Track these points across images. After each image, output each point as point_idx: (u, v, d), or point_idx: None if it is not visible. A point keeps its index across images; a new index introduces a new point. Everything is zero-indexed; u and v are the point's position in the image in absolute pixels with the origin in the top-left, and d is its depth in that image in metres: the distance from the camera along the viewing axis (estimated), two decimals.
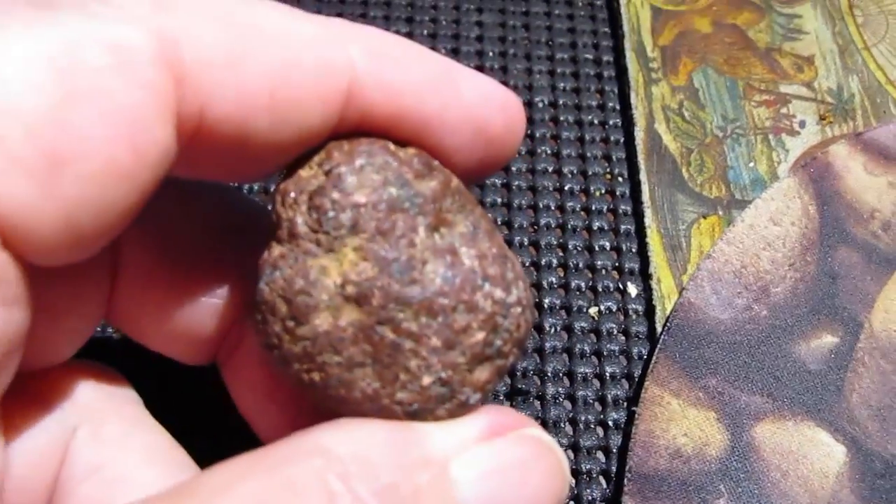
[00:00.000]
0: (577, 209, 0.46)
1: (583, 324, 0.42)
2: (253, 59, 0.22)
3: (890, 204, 0.43)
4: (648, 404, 0.38)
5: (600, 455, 0.39)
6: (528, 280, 0.42)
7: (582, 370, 0.40)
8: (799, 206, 0.43)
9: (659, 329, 0.41)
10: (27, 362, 0.23)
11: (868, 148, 0.45)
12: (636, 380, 0.40)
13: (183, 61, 0.21)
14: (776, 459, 0.37)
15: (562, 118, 0.49)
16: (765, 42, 0.51)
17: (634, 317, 0.42)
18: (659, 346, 0.39)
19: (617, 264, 0.44)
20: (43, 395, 0.27)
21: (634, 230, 0.45)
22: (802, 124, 0.47)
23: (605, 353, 0.41)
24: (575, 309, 0.42)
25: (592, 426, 0.39)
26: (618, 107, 0.50)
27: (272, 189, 0.33)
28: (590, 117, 0.49)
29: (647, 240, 0.44)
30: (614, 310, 0.42)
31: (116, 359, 0.30)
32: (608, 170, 0.47)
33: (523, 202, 0.46)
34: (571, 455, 0.39)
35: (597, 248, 0.44)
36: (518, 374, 0.40)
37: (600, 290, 0.43)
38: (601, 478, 0.38)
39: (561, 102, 0.49)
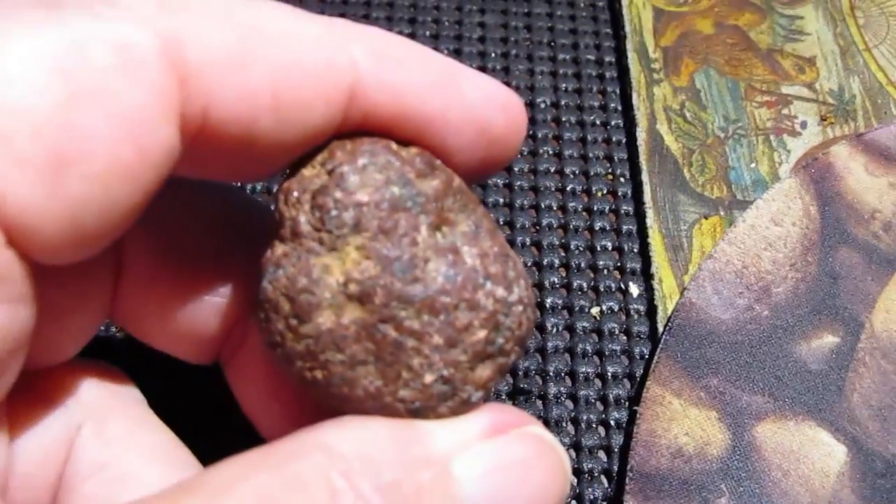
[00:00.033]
0: (579, 209, 0.46)
1: (585, 323, 0.42)
2: (256, 59, 0.22)
3: (891, 204, 0.43)
4: (650, 404, 0.38)
5: (602, 454, 0.39)
6: (530, 280, 0.42)
7: (584, 370, 0.41)
8: (800, 206, 0.43)
9: (660, 329, 0.41)
10: (32, 361, 0.23)
11: (869, 149, 0.45)
12: (638, 379, 0.40)
13: (187, 62, 0.21)
14: (777, 459, 0.37)
15: (564, 119, 0.49)
16: (766, 43, 0.51)
17: (636, 317, 0.42)
18: (660, 345, 0.39)
19: (619, 264, 0.44)
20: (47, 394, 0.27)
21: (636, 230, 0.45)
22: (804, 125, 0.48)
23: (606, 352, 0.41)
24: (577, 309, 0.42)
25: (594, 425, 0.39)
26: (620, 107, 0.50)
27: (275, 189, 0.33)
28: (592, 118, 0.49)
29: (649, 240, 0.44)
30: (616, 310, 0.43)
31: (120, 358, 0.30)
32: (610, 170, 0.47)
33: (525, 202, 0.46)
34: (573, 454, 0.39)
35: (599, 249, 0.44)
36: (520, 373, 0.40)
37: (602, 290, 0.43)
38: (603, 477, 0.38)
39: (563, 103, 0.50)
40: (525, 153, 0.48)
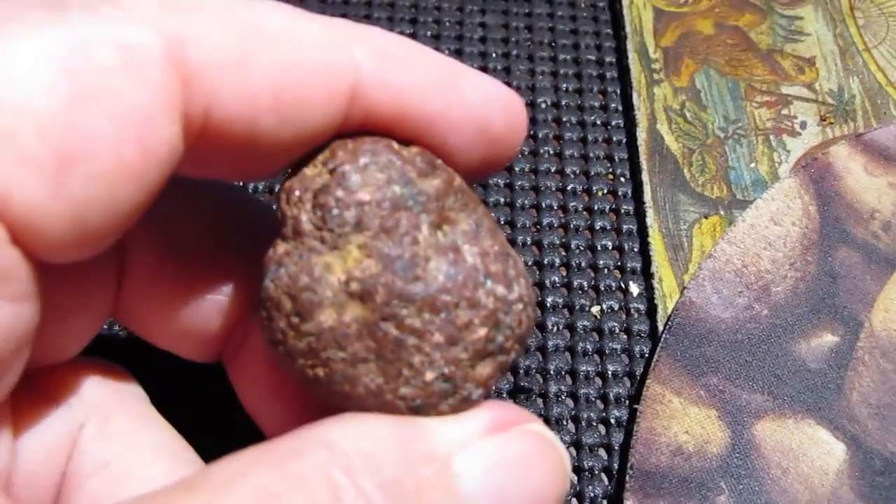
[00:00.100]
0: (580, 209, 0.46)
1: (585, 322, 0.42)
2: (258, 59, 0.22)
3: (890, 204, 0.43)
4: (650, 402, 0.38)
5: (602, 452, 0.39)
6: (531, 279, 0.43)
7: (584, 368, 0.41)
8: (799, 206, 0.43)
9: (660, 328, 0.41)
10: (35, 359, 0.23)
11: (868, 149, 0.45)
12: (638, 378, 0.41)
13: (189, 62, 0.21)
14: (776, 457, 0.37)
15: (564, 119, 0.49)
16: (766, 43, 0.51)
17: (636, 315, 0.42)
18: (660, 344, 0.40)
19: (619, 263, 0.44)
20: (51, 392, 0.27)
21: (636, 230, 0.45)
22: (803, 125, 0.48)
23: (607, 351, 0.41)
24: (577, 308, 0.43)
25: (594, 424, 0.39)
26: (620, 107, 0.50)
27: (277, 188, 0.33)
28: (592, 118, 0.49)
29: (649, 239, 0.44)
30: (616, 309, 0.43)
31: (123, 356, 0.30)
32: (610, 170, 0.47)
33: (526, 202, 0.46)
34: (574, 452, 0.39)
35: (599, 248, 0.44)
36: (521, 371, 0.41)
37: (602, 289, 0.43)
38: (603, 475, 0.38)
39: (563, 103, 0.50)
40: (526, 153, 0.48)
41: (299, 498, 0.20)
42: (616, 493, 0.38)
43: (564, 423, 0.39)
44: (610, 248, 0.45)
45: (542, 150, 0.48)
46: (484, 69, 0.50)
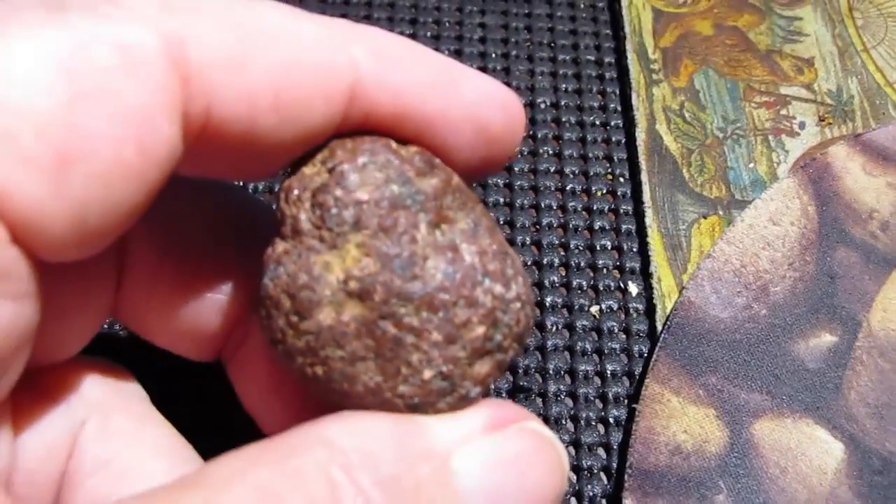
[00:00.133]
0: (579, 209, 0.46)
1: (584, 322, 0.42)
2: (257, 59, 0.22)
3: (888, 204, 0.43)
4: (649, 401, 0.38)
5: (601, 451, 0.39)
6: (530, 278, 0.43)
7: (583, 368, 0.41)
8: (798, 206, 0.43)
9: (659, 327, 0.41)
10: (36, 357, 0.23)
11: (867, 149, 0.45)
12: (637, 377, 0.41)
13: (189, 62, 0.21)
14: (775, 456, 0.37)
15: (564, 119, 0.49)
16: (765, 44, 0.51)
17: (635, 315, 0.43)
18: (659, 344, 0.40)
19: (618, 263, 0.44)
20: (51, 390, 0.27)
21: (635, 230, 0.45)
22: (802, 125, 0.48)
23: (605, 350, 0.41)
24: (576, 307, 0.43)
25: (593, 423, 0.40)
26: (619, 108, 0.50)
27: (277, 188, 0.34)
28: (591, 118, 0.49)
29: (648, 239, 0.44)
30: (615, 308, 0.43)
31: (123, 356, 0.30)
32: (609, 170, 0.47)
33: (525, 202, 0.46)
34: (573, 451, 0.39)
35: (598, 248, 0.45)
36: (520, 371, 0.41)
37: (601, 288, 0.43)
38: (602, 474, 0.38)
39: (563, 103, 0.50)
40: (525, 153, 0.48)
41: (298, 495, 0.20)
42: (615, 492, 0.38)
43: (563, 422, 0.40)
44: (609, 247, 0.45)
45: (541, 151, 0.48)
46: (483, 70, 0.50)
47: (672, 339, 0.40)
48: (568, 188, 0.46)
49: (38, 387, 0.27)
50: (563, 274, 0.44)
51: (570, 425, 0.40)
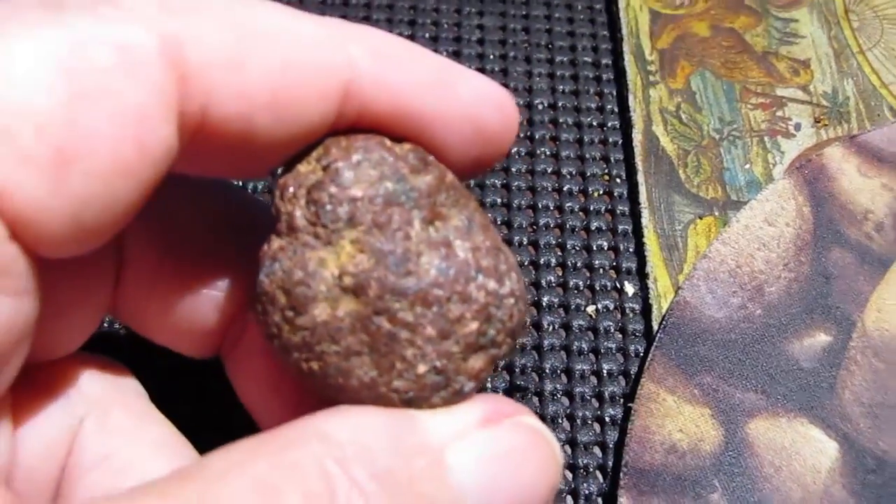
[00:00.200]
0: (576, 209, 0.46)
1: (581, 322, 0.42)
2: (254, 58, 0.22)
3: (883, 205, 0.44)
4: (644, 401, 0.38)
5: (597, 450, 0.39)
6: (527, 278, 0.43)
7: (579, 367, 0.41)
8: (793, 207, 0.44)
9: (655, 327, 0.41)
10: (35, 354, 0.23)
11: (862, 150, 0.46)
12: (633, 377, 0.41)
13: (187, 61, 0.21)
14: (769, 455, 0.37)
15: (561, 120, 0.49)
16: (762, 46, 0.51)
17: (631, 315, 0.43)
18: (655, 343, 0.40)
19: (614, 264, 0.44)
20: (51, 386, 0.27)
21: (632, 230, 0.45)
22: (798, 127, 0.48)
23: (602, 350, 0.42)
24: (573, 307, 0.43)
25: (589, 422, 0.40)
26: (616, 109, 0.50)
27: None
28: (588, 119, 0.49)
29: (644, 240, 0.44)
30: (612, 308, 0.43)
31: (122, 353, 0.30)
32: (606, 171, 0.48)
33: (523, 202, 0.46)
34: (569, 450, 0.39)
35: (595, 248, 0.45)
36: (517, 370, 0.41)
37: (598, 288, 0.43)
38: (598, 472, 0.39)
39: (560, 104, 0.50)
40: (523, 154, 0.48)
41: (294, 488, 0.20)
42: (611, 491, 0.38)
43: (560, 421, 0.40)
44: (605, 248, 0.45)
45: (538, 151, 0.48)
46: (482, 70, 0.51)
47: (668, 338, 0.40)
48: (565, 189, 0.47)
49: (38, 383, 0.27)
50: (560, 274, 0.44)
51: (566, 424, 0.40)
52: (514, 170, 0.47)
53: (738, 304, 0.41)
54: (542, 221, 0.45)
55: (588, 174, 0.47)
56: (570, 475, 0.38)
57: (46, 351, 0.26)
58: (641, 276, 0.44)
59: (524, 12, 0.54)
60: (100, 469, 0.27)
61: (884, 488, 0.36)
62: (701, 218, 0.45)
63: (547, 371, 0.41)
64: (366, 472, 0.21)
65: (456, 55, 0.52)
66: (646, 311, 0.43)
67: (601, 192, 0.47)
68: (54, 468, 0.27)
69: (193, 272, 0.28)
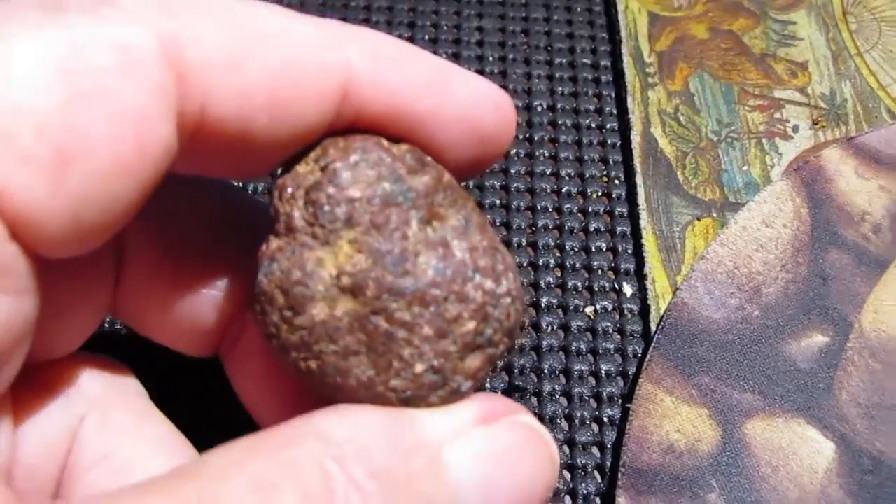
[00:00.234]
0: (575, 211, 0.46)
1: (579, 323, 0.42)
2: (252, 59, 0.22)
3: (880, 207, 0.44)
4: (642, 401, 0.38)
5: (595, 450, 0.39)
6: (526, 279, 0.43)
7: (578, 368, 0.41)
8: (791, 208, 0.44)
9: (653, 328, 0.41)
10: (35, 353, 0.24)
11: (859, 152, 0.46)
12: (630, 377, 0.41)
13: (185, 62, 0.22)
14: (767, 455, 0.37)
15: (560, 122, 0.49)
16: (760, 48, 0.51)
17: (629, 316, 0.43)
18: (653, 344, 0.40)
19: (613, 265, 0.44)
20: (51, 385, 0.27)
21: (630, 232, 0.46)
22: (796, 129, 0.48)
23: (600, 351, 0.42)
24: (571, 308, 0.43)
25: (588, 422, 0.40)
26: (615, 111, 0.50)
27: None
28: (587, 121, 0.50)
29: (643, 241, 0.44)
30: (610, 309, 0.43)
31: (122, 353, 0.31)
32: (605, 172, 0.48)
33: (522, 204, 0.46)
34: (567, 450, 0.39)
35: (593, 249, 0.45)
36: (516, 371, 0.41)
37: (596, 289, 0.44)
38: (596, 472, 0.39)
39: (559, 106, 0.50)
40: (522, 155, 0.48)
41: (292, 486, 0.20)
42: (609, 491, 0.38)
43: (558, 421, 0.40)
44: (604, 249, 0.45)
45: (537, 153, 0.48)
46: (481, 72, 0.51)
47: (666, 339, 0.40)
48: (564, 190, 0.47)
49: (39, 382, 0.27)
50: (559, 275, 0.44)
51: (564, 424, 0.40)
52: (513, 171, 0.47)
53: (736, 305, 0.41)
54: (540, 223, 0.45)
55: (587, 176, 0.47)
56: (568, 475, 0.39)
57: (47, 350, 0.27)
58: (640, 277, 0.44)
59: (523, 14, 0.54)
60: (100, 468, 0.27)
61: (880, 489, 0.37)
62: (699, 219, 0.45)
63: (546, 372, 0.41)
64: (364, 471, 0.21)
65: (455, 57, 0.52)
66: (644, 312, 0.43)
67: (600, 193, 0.47)
68: (54, 467, 0.27)
69: (193, 272, 0.28)
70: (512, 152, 0.48)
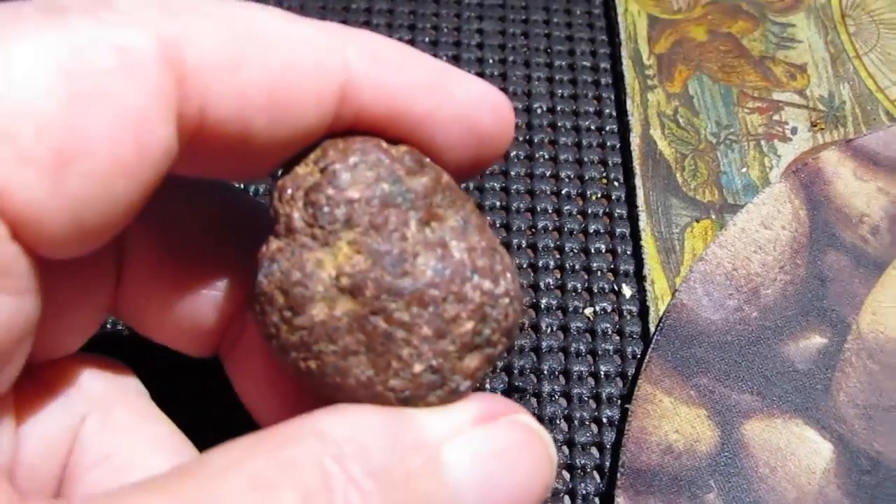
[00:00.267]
0: (574, 212, 0.46)
1: (578, 324, 0.43)
2: (252, 61, 0.23)
3: (878, 209, 0.44)
4: (641, 402, 0.38)
5: (594, 451, 0.39)
6: (526, 281, 0.43)
7: (577, 369, 0.41)
8: (790, 210, 0.44)
9: (652, 329, 0.42)
10: (37, 353, 0.24)
11: (858, 154, 0.46)
12: (630, 378, 0.41)
13: (185, 63, 0.22)
14: (765, 456, 0.37)
15: (560, 124, 0.50)
16: (759, 50, 0.51)
17: (628, 317, 0.43)
18: (652, 345, 0.40)
19: (612, 266, 0.45)
20: (53, 385, 0.27)
21: (629, 233, 0.46)
22: (794, 131, 0.48)
23: (599, 352, 0.42)
24: (571, 309, 0.43)
25: (587, 423, 0.40)
26: (614, 113, 0.50)
27: None
28: (587, 123, 0.50)
29: (642, 243, 0.44)
30: (609, 310, 0.43)
31: (123, 353, 0.31)
32: (604, 174, 0.48)
33: (521, 205, 0.46)
34: (566, 450, 0.39)
35: (593, 251, 0.45)
36: (515, 371, 0.41)
37: (596, 291, 0.44)
38: (595, 473, 0.39)
39: (559, 108, 0.50)
40: (521, 157, 0.48)
41: (291, 484, 0.20)
42: (608, 491, 0.38)
43: (557, 421, 0.40)
44: (603, 250, 0.45)
45: (537, 155, 0.48)
46: (481, 75, 0.51)
47: (664, 340, 0.40)
48: (563, 192, 0.47)
49: (40, 382, 0.27)
50: (558, 276, 0.44)
51: (563, 425, 0.40)
52: (512, 173, 0.47)
53: (735, 307, 0.41)
54: (540, 224, 0.46)
55: (586, 177, 0.47)
56: (567, 475, 0.39)
57: (48, 350, 0.27)
58: (639, 278, 0.44)
59: (523, 17, 0.54)
60: (101, 467, 0.27)
61: (878, 489, 0.37)
62: (698, 221, 0.45)
63: (545, 372, 0.41)
64: (363, 470, 0.21)
65: (455, 59, 0.52)
66: (643, 313, 0.43)
67: (599, 195, 0.47)
68: (56, 466, 0.27)
69: (193, 272, 0.28)
70: (511, 154, 0.48)
